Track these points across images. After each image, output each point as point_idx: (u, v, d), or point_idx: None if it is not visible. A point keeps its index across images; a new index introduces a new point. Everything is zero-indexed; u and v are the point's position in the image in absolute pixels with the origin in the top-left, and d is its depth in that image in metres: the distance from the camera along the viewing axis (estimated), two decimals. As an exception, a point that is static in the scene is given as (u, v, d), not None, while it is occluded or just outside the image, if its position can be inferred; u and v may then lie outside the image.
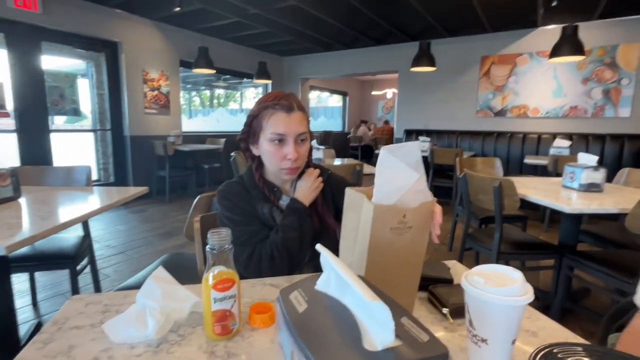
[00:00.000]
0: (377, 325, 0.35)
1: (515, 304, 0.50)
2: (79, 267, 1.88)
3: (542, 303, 2.23)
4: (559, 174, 3.48)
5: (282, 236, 0.92)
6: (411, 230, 0.63)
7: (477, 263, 2.83)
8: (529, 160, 4.09)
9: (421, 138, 5.10)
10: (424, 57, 4.45)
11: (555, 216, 3.85)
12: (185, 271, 1.61)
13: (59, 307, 2.00)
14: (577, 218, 2.16)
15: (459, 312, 0.69)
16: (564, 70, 4.64)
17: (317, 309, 0.42)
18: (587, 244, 2.35)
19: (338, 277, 0.43)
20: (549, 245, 2.14)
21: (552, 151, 3.92)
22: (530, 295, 0.51)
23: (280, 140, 0.93)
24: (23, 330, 1.86)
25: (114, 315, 0.67)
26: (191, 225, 1.23)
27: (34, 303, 2.17)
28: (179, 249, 3.13)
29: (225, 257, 0.61)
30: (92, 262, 2.18)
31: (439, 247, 3.29)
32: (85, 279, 2.29)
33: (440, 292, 0.74)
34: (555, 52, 3.54)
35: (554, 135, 4.60)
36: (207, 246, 0.60)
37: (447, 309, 0.69)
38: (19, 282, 2.35)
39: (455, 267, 0.92)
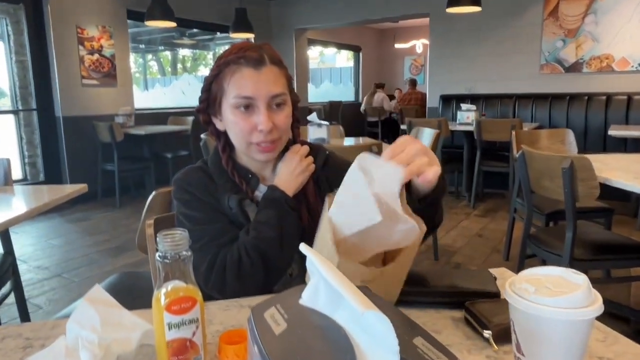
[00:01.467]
0: (376, 345, 0.36)
1: (579, 317, 0.50)
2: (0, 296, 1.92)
3: (635, 326, 2.23)
4: (657, 149, 3.46)
5: (255, 235, 0.91)
6: (386, 269, 0.69)
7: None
8: (615, 131, 4.05)
9: (464, 106, 5.08)
10: (465, -8, 4.41)
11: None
12: (142, 295, 1.63)
13: None
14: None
15: (506, 334, 0.69)
16: (663, 3, 4.57)
17: (299, 329, 0.43)
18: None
19: (329, 286, 0.44)
20: (642, 248, 2.13)
21: (647, 118, 3.87)
22: (599, 306, 0.51)
23: (248, 106, 0.93)
24: None
25: (38, 351, 0.69)
26: (143, 233, 1.24)
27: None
28: (134, 267, 3.18)
29: (183, 268, 0.62)
30: (18, 289, 2.22)
31: (491, 255, 3.30)
32: (9, 311, 2.34)
33: (480, 310, 0.74)
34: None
35: (651, 96, 4.55)
36: (157, 254, 0.61)
37: (489, 332, 0.70)
38: None
39: (503, 276, 0.93)
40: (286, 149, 1.04)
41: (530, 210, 2.39)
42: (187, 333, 0.61)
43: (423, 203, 0.83)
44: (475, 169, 4.58)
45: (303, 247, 0.49)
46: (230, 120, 0.96)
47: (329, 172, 1.07)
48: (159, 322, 0.61)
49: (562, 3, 5.07)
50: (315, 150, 1.08)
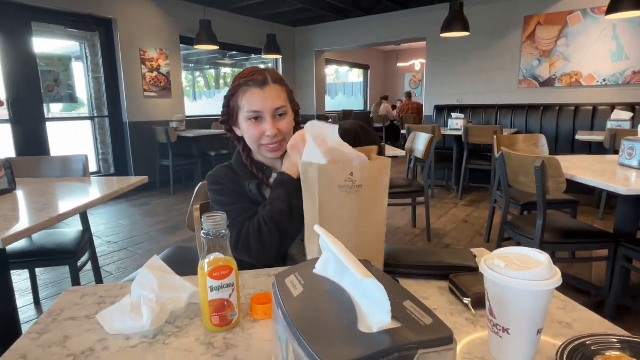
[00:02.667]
0: (372, 306, 0.37)
1: (540, 288, 0.50)
2: (79, 264, 1.98)
3: (595, 299, 2.19)
4: (617, 152, 3.35)
5: (270, 209, 0.95)
6: (362, 190, 0.72)
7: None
8: (582, 136, 3.95)
9: (454, 115, 5.00)
10: (456, 20, 4.33)
11: (613, 201, 3.71)
12: (190, 265, 1.67)
13: None
14: (637, 202, 2.09)
15: (482, 302, 0.70)
16: (626, 28, 4.41)
17: (313, 292, 0.44)
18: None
19: (336, 259, 0.45)
20: (602, 233, 2.08)
21: (609, 125, 3.76)
22: (557, 279, 0.51)
23: (257, 117, 0.99)
24: (25, 329, 1.99)
25: (109, 306, 0.72)
26: (192, 215, 1.27)
27: (36, 301, 2.30)
28: (184, 243, 3.23)
29: (222, 244, 0.64)
30: (94, 258, 2.29)
31: (475, 238, 3.26)
32: (87, 276, 2.41)
33: (461, 281, 0.74)
34: (615, 6, 3.36)
35: (613, 107, 4.40)
36: (202, 231, 0.63)
37: (468, 299, 0.70)
38: (20, 280, 2.50)
39: (482, 254, 0.92)
40: None
41: (508, 201, 2.36)
42: (225, 294, 0.63)
43: None
44: (463, 167, 4.52)
45: (317, 228, 0.50)
46: (245, 129, 1.02)
47: None
48: (203, 286, 0.63)
49: (539, 28, 4.93)
50: None
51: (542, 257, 0.54)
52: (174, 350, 0.60)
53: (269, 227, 0.93)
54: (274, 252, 0.93)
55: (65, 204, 1.54)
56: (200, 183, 1.43)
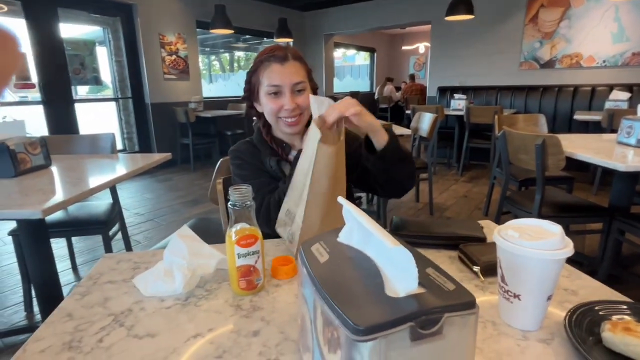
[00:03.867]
0: (399, 272, 0.36)
1: (552, 257, 0.49)
2: (110, 233, 2.01)
3: (588, 269, 2.17)
4: (614, 131, 3.25)
5: (290, 184, 0.94)
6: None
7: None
8: (580, 116, 3.84)
9: (457, 96, 4.88)
10: (461, 3, 4.16)
11: (607, 178, 3.65)
12: (212, 235, 1.68)
13: None
14: (633, 178, 2.04)
15: (490, 269, 0.69)
16: (628, 9, 4.20)
17: (339, 259, 0.43)
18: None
19: (361, 228, 0.43)
20: (597, 208, 2.05)
21: (607, 105, 3.65)
22: (569, 249, 0.50)
23: (277, 92, 0.96)
24: (65, 291, 2.05)
25: (144, 271, 0.72)
26: (214, 189, 1.27)
27: (74, 267, 2.36)
28: (205, 215, 3.27)
29: (247, 214, 0.63)
30: (123, 228, 2.33)
31: (474, 212, 3.24)
32: (117, 245, 2.46)
33: (471, 250, 0.73)
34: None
35: (611, 87, 4.25)
36: (229, 202, 0.62)
37: (478, 267, 0.69)
38: (58, 247, 2.55)
39: (488, 227, 0.91)
40: (309, 124, 1.04)
41: (508, 177, 2.32)
42: (251, 261, 0.63)
43: (376, 156, 0.88)
44: (464, 145, 4.44)
45: (341, 199, 0.48)
46: (264, 103, 0.99)
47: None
48: (231, 253, 0.63)
49: (542, 10, 4.72)
50: None
51: (555, 228, 0.52)
52: (205, 311, 0.60)
53: None
54: None
55: (96, 179, 1.55)
56: (221, 159, 1.42)
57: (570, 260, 1.91)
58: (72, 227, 1.89)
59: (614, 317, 0.53)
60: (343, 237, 0.47)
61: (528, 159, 2.01)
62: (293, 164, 0.96)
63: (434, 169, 4.55)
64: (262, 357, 0.49)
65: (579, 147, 1.98)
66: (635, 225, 1.79)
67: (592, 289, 0.65)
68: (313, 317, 0.42)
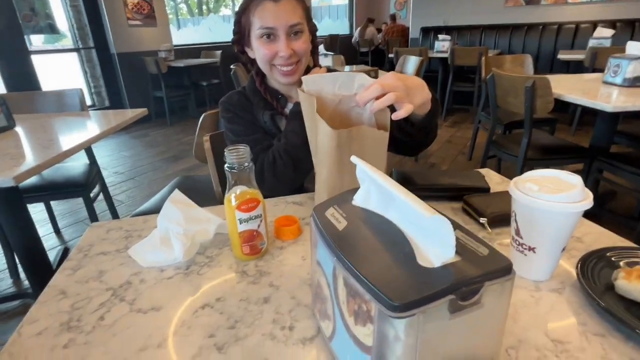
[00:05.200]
0: (432, 240, 0.33)
1: (574, 210, 0.47)
2: (92, 195, 1.93)
3: (565, 208, 2.27)
4: (595, 70, 3.25)
5: (285, 142, 0.86)
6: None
7: (499, 171, 2.80)
8: (563, 55, 3.79)
9: (441, 37, 4.71)
10: None
11: (585, 117, 3.71)
12: (201, 194, 1.63)
13: (81, 233, 2.08)
14: (615, 118, 2.06)
15: (497, 221, 0.68)
16: (617, -62, 4.01)
17: (358, 225, 0.40)
18: (621, 145, 2.29)
19: (380, 190, 0.40)
20: (579, 149, 2.08)
21: (591, 43, 3.60)
22: (589, 201, 0.48)
23: (270, 35, 0.84)
24: (51, 256, 2.00)
25: (137, 240, 0.68)
26: (200, 146, 1.19)
27: (56, 230, 2.29)
28: (189, 172, 3.18)
29: (247, 176, 0.58)
30: (104, 189, 2.24)
31: (458, 156, 3.27)
32: (99, 206, 2.37)
33: (476, 202, 0.72)
34: None
35: (595, 25, 4.18)
36: (226, 165, 0.57)
37: (484, 219, 0.68)
38: (37, 211, 2.45)
39: (488, 175, 0.90)
40: (307, 72, 0.95)
41: (495, 121, 2.31)
42: (254, 225, 0.59)
43: (415, 127, 0.79)
44: (447, 89, 4.38)
45: (355, 159, 0.44)
46: (256, 48, 0.88)
47: None
48: (231, 218, 0.59)
49: (530, -60, 4.46)
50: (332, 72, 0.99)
51: (574, 179, 0.50)
52: (209, 279, 0.57)
53: (283, 161, 0.85)
54: (288, 185, 0.87)
55: (69, 140, 1.44)
56: (204, 114, 1.33)
57: None
58: (50, 191, 1.80)
59: (622, 263, 0.53)
60: (359, 200, 0.43)
61: (516, 102, 1.99)
62: (289, 118, 0.89)
63: (417, 115, 4.49)
64: (277, 325, 0.48)
65: (566, 88, 1.96)
66: (615, 165, 1.84)
67: (597, 235, 0.65)
68: (333, 286, 0.39)
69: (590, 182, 2.00)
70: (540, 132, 2.54)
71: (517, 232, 0.53)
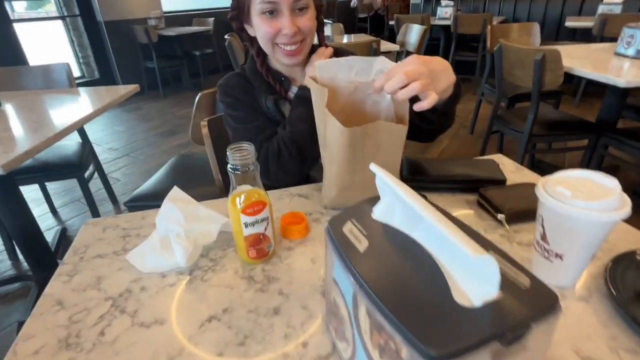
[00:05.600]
0: (471, 274, 0.29)
1: (612, 219, 0.43)
2: (86, 175, 1.87)
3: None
4: (604, 39, 3.13)
5: (290, 130, 0.80)
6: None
7: (502, 146, 2.76)
8: (571, 22, 3.64)
9: (443, 2, 4.50)
10: None
11: (590, 88, 3.62)
12: (199, 173, 1.59)
13: (78, 213, 2.05)
14: (624, 92, 1.99)
15: (515, 217, 0.64)
16: None
17: (382, 246, 0.36)
18: (628, 119, 2.24)
19: (406, 207, 0.36)
20: (585, 124, 2.03)
21: (600, 9, 3.45)
22: (627, 209, 0.44)
23: (272, 11, 0.76)
24: (49, 236, 1.97)
25: (135, 240, 0.64)
26: (197, 128, 1.13)
27: (53, 210, 2.26)
28: (184, 148, 3.11)
29: (252, 176, 0.54)
30: (99, 168, 2.18)
31: (459, 130, 3.21)
32: (94, 185, 2.32)
33: (493, 196, 0.68)
34: None
35: (605, -12, 3.99)
36: (229, 166, 0.52)
37: (502, 215, 0.64)
38: (30, 190, 2.40)
39: (502, 162, 0.85)
40: (313, 52, 0.88)
41: (500, 94, 2.23)
42: (260, 229, 0.55)
43: (437, 113, 0.73)
44: (450, 58, 4.23)
45: (374, 167, 0.39)
46: (257, 25, 0.80)
47: None
48: (236, 222, 0.55)
49: None
50: (340, 52, 0.92)
51: (610, 183, 0.46)
52: (215, 287, 0.54)
53: (288, 150, 0.80)
54: (293, 175, 0.83)
55: (59, 120, 1.37)
56: (200, 93, 1.26)
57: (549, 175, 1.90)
58: (43, 173, 1.74)
59: (654, 269, 0.50)
60: (380, 215, 0.39)
61: (524, 75, 1.91)
62: (294, 104, 0.83)
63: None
64: (290, 342, 0.45)
65: (576, 59, 1.88)
66: (623, 141, 1.80)
67: (622, 233, 0.62)
68: (353, 312, 0.36)
69: (596, 158, 1.97)
70: (545, 105, 2.47)
71: (543, 237, 0.50)
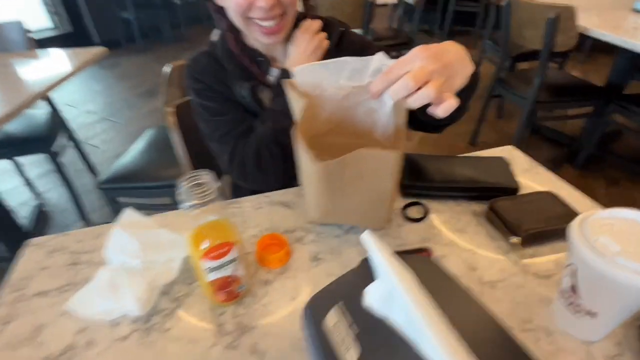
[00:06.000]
0: None
1: (670, 287, 0.34)
2: (57, 148, 1.72)
3: (567, 150, 2.16)
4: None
5: (271, 126, 0.68)
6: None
7: (502, 112, 2.61)
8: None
9: (446, -57, 4.08)
10: None
11: (597, 42, 3.40)
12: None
13: (54, 185, 1.91)
14: (637, 56, 1.84)
15: (532, 239, 0.55)
16: None
17: (376, 354, 0.26)
18: (637, 81, 2.09)
19: (407, 308, 0.26)
20: (593, 89, 1.89)
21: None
22: (690, 270, 0.34)
23: None
24: (26, 211, 1.87)
25: (86, 270, 0.54)
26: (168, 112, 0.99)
27: (27, 183, 2.12)
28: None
29: (214, 206, 0.43)
30: (72, 137, 2.01)
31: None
32: (70, 157, 2.17)
33: (505, 211, 0.58)
34: None
35: None
36: (186, 204, 0.41)
37: (518, 238, 0.55)
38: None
39: (513, 157, 0.75)
40: (297, 24, 0.72)
41: (505, 56, 2.05)
42: (227, 272, 0.45)
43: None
44: (449, 8, 3.93)
45: (363, 237, 0.29)
46: None
47: (343, 51, 0.76)
48: (198, 267, 0.44)
49: None
50: (330, 25, 0.76)
51: (669, 235, 0.36)
52: (177, 341, 0.45)
53: (269, 150, 0.68)
54: (276, 178, 0.71)
55: (16, 92, 1.21)
56: (172, 66, 1.10)
57: (551, 141, 1.82)
58: (6, 149, 1.59)
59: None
60: (374, 300, 0.29)
61: (533, 36, 1.73)
62: (275, 93, 0.69)
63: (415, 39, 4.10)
64: None
65: (590, 16, 1.70)
66: (631, 110, 1.68)
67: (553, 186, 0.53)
68: None
69: (602, 125, 1.86)
70: (551, 66, 2.30)
71: (574, 289, 0.41)
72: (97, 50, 1.65)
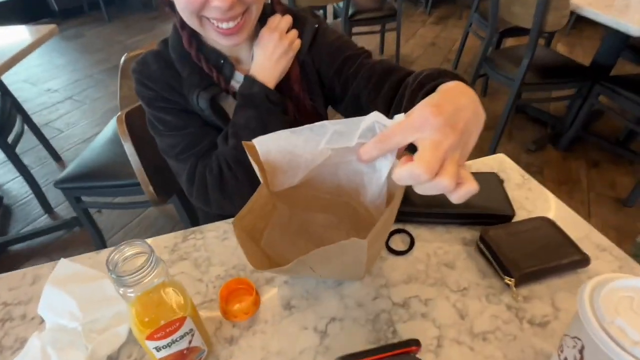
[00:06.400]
0: None
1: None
2: (11, 138, 1.57)
3: (552, 132, 2.12)
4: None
5: (234, 145, 0.59)
6: None
7: (486, 91, 2.53)
8: None
9: None
10: None
11: (580, 23, 3.31)
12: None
13: (16, 174, 1.77)
14: (626, 36, 1.77)
15: (526, 279, 0.50)
16: None
17: None
18: (626, 60, 2.05)
19: None
20: (580, 69, 1.83)
21: None
22: None
23: None
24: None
25: (17, 329, 0.46)
26: (125, 101, 0.88)
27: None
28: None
29: (160, 271, 0.35)
30: (28, 120, 1.84)
31: (442, 64, 2.94)
32: (31, 139, 2.00)
33: (498, 246, 0.52)
34: None
35: None
36: (121, 290, 0.33)
37: (512, 280, 0.49)
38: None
39: (504, 167, 0.68)
40: (264, 20, 0.61)
41: (493, 33, 1.95)
42: (182, 345, 0.38)
43: None
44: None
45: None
46: None
47: (317, 52, 0.66)
48: (145, 345, 0.37)
49: None
50: (301, 21, 0.64)
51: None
52: None
53: (233, 173, 0.59)
54: (242, 201, 0.63)
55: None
56: (126, 55, 0.98)
57: (535, 120, 1.79)
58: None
59: None
60: None
61: (524, 14, 1.64)
62: (239, 104, 0.59)
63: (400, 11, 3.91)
64: None
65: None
66: (617, 91, 1.64)
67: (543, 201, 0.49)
68: None
69: (587, 108, 1.82)
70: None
71: (579, 365, 0.35)
72: (42, 29, 1.47)
